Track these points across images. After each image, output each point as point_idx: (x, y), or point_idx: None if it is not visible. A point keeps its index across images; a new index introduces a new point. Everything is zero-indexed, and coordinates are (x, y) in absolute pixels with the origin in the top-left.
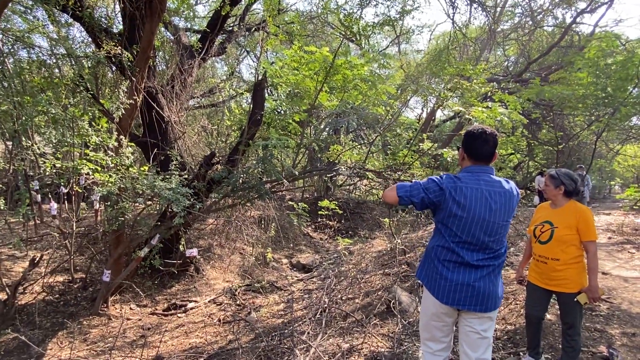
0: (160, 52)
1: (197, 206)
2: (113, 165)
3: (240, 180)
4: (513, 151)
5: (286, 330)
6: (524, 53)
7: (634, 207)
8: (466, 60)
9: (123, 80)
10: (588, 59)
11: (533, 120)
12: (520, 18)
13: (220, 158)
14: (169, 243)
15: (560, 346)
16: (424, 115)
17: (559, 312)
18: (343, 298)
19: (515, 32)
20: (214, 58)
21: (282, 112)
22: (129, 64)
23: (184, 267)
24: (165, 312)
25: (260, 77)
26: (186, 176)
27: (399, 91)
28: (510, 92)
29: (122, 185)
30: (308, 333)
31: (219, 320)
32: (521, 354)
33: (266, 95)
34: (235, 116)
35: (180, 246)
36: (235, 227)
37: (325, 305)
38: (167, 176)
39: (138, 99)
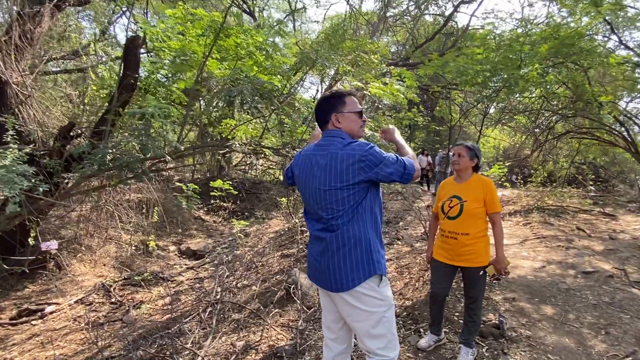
0: None
1: (41, 188)
2: None
3: (110, 157)
4: None
5: (170, 331)
6: (410, 39)
7: (498, 182)
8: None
9: None
10: (483, 37)
11: (418, 102)
12: (407, 5)
13: (83, 130)
14: (13, 236)
15: (457, 319)
16: (319, 95)
17: (462, 287)
18: (239, 285)
19: (402, 18)
20: (78, 11)
21: (165, 77)
22: None
23: (40, 263)
24: (14, 321)
25: (133, 35)
26: (29, 150)
27: (297, 63)
28: (408, 69)
29: None
30: (195, 332)
31: (88, 324)
32: (422, 330)
33: (146, 57)
34: (105, 81)
35: (30, 239)
36: (107, 212)
37: (218, 297)
38: (1, 150)
39: None
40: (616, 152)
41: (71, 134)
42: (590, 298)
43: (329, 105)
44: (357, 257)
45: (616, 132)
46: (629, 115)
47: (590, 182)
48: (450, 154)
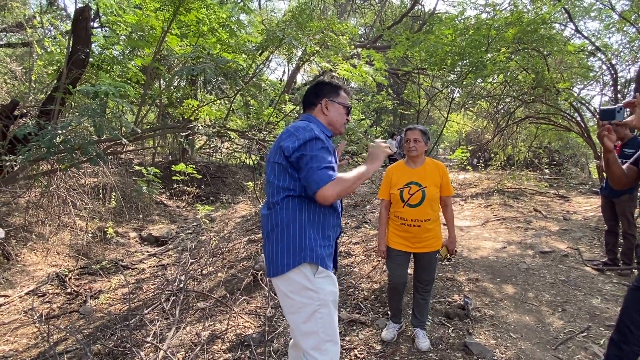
0: None
1: None
2: None
3: (59, 139)
4: (363, 117)
5: (130, 322)
6: (377, 22)
7: (461, 165)
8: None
9: None
10: (452, 18)
11: (387, 85)
12: None
13: (28, 109)
14: None
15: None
16: (285, 78)
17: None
18: (204, 272)
19: (370, 0)
20: None
21: (120, 54)
22: None
23: None
24: None
25: (82, 6)
26: None
27: (263, 42)
28: (377, 51)
29: None
30: (158, 323)
31: (41, 316)
32: (389, 313)
33: (100, 31)
34: (53, 56)
35: None
36: (59, 198)
37: (181, 286)
38: None
39: None
40: (569, 136)
41: (15, 113)
42: (547, 277)
43: (323, 90)
44: (289, 242)
45: (571, 118)
46: (582, 101)
47: (546, 166)
48: (398, 138)
